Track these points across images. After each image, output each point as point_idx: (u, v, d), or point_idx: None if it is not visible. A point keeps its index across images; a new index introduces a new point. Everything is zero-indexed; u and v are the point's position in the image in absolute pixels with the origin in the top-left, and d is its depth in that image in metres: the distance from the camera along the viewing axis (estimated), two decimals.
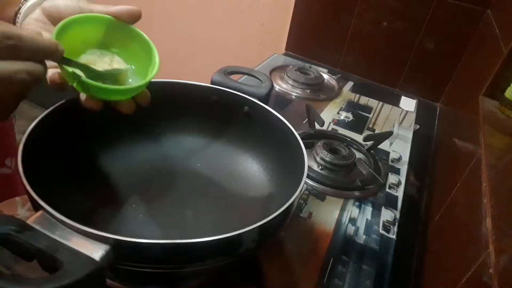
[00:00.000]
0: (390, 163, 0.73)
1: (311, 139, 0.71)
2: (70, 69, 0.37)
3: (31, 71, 0.33)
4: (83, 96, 0.41)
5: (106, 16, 0.41)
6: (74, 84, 0.38)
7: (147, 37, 0.43)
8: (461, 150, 0.61)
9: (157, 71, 0.42)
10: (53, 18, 0.41)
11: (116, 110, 0.42)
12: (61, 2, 0.41)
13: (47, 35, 0.36)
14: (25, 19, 0.41)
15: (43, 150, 0.40)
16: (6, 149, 0.66)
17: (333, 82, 1.02)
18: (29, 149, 0.38)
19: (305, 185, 0.52)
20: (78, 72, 0.38)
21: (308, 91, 0.93)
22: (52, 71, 0.39)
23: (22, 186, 0.34)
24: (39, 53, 0.33)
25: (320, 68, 1.06)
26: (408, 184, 0.69)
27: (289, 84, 0.95)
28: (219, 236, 0.32)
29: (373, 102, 0.96)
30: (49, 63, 0.36)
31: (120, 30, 0.43)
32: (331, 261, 0.51)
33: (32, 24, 0.41)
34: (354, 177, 0.66)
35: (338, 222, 0.57)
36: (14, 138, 0.69)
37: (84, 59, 0.41)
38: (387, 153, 0.76)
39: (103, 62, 0.42)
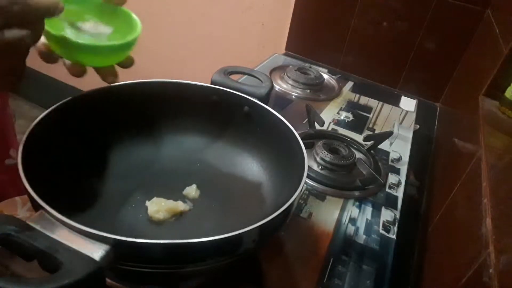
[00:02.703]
0: (390, 163, 0.73)
1: (311, 139, 0.71)
2: (55, 33, 0.38)
3: (35, 33, 0.34)
4: (68, 63, 0.41)
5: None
6: (59, 50, 0.39)
7: (128, 10, 0.44)
8: (461, 150, 0.61)
9: (140, 31, 0.43)
10: None
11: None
12: None
13: None
14: None
15: (43, 150, 0.40)
16: (8, 141, 0.68)
17: (333, 82, 1.02)
18: (29, 149, 0.38)
19: (305, 185, 0.52)
20: (68, 33, 0.39)
21: (308, 91, 0.93)
22: (38, 43, 0.39)
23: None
24: (43, 13, 0.34)
25: (320, 68, 1.06)
26: (408, 184, 0.69)
27: (289, 84, 0.95)
28: (219, 236, 0.32)
29: (373, 102, 0.96)
30: None
31: (103, 10, 0.44)
32: (331, 261, 0.51)
33: None
34: (354, 177, 0.66)
35: (338, 222, 0.57)
36: (13, 128, 0.71)
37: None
38: (387, 153, 0.76)
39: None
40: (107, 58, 0.43)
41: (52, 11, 0.35)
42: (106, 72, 0.43)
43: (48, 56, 0.40)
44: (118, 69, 0.45)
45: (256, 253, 0.48)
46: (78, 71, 0.42)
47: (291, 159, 0.48)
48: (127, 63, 0.45)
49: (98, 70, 0.43)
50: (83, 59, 0.41)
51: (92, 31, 0.43)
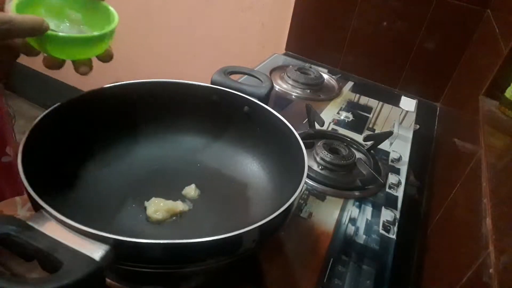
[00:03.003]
0: (390, 163, 0.73)
1: (311, 139, 0.71)
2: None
3: (16, 51, 0.37)
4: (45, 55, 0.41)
5: None
6: (34, 43, 0.39)
7: (107, 4, 0.44)
8: (461, 150, 0.61)
9: (116, 24, 0.42)
10: None
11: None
12: None
13: None
14: None
15: (43, 150, 0.40)
16: (4, 138, 0.68)
17: (333, 82, 1.02)
18: (29, 149, 0.38)
19: (305, 185, 0.52)
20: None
21: (308, 91, 0.93)
22: None
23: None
24: (27, 33, 0.35)
25: (320, 68, 1.06)
26: (408, 184, 0.69)
27: (289, 84, 0.95)
28: (219, 236, 0.32)
29: (373, 102, 0.96)
30: None
31: (84, 4, 0.44)
32: (331, 261, 0.51)
33: None
34: (354, 177, 0.66)
35: (338, 222, 0.57)
36: (10, 126, 0.71)
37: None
38: (387, 153, 0.76)
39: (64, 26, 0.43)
40: (83, 51, 0.41)
41: (37, 31, 0.35)
42: (80, 62, 0.42)
43: (27, 49, 0.40)
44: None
45: (256, 253, 0.48)
46: (54, 63, 0.41)
47: (291, 159, 0.48)
48: (106, 57, 0.44)
49: (73, 60, 0.43)
50: (59, 52, 0.40)
51: (72, 27, 0.43)
